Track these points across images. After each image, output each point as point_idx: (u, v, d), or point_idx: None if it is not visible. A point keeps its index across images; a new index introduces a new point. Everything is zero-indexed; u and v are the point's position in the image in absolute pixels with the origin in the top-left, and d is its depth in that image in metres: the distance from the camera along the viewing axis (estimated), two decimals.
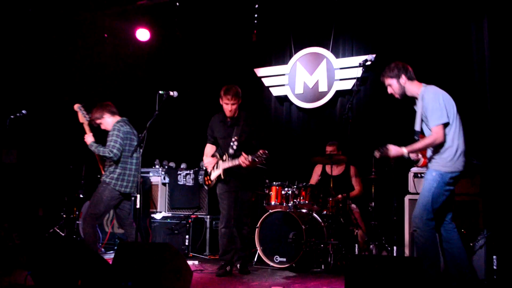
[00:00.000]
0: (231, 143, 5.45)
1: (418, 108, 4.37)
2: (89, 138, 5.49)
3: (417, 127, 4.42)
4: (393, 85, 4.43)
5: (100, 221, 5.60)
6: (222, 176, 5.45)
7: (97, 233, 5.57)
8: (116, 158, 5.37)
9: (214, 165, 5.58)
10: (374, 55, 4.56)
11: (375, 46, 7.33)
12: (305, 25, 8.12)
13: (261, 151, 5.10)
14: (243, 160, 5.21)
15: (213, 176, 5.57)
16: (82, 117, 5.61)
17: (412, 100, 4.44)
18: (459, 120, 4.31)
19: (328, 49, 7.85)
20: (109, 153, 5.33)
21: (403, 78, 4.39)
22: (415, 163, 4.53)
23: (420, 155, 4.47)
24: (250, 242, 5.79)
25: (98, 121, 5.59)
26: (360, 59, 6.79)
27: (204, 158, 5.69)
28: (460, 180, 4.32)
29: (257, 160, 5.13)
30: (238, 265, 5.66)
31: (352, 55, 7.68)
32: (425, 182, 4.30)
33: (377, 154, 4.30)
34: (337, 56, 7.79)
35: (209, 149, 5.71)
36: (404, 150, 4.28)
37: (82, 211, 7.98)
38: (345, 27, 7.79)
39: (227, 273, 5.43)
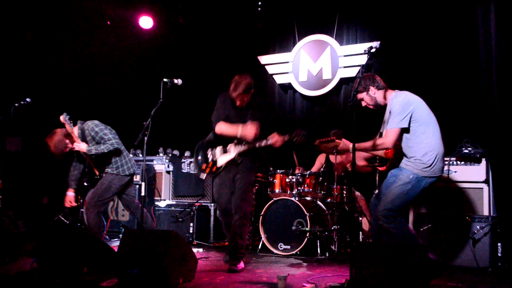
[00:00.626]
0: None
1: (386, 113, 4.48)
2: (82, 145, 5.48)
3: (381, 129, 4.58)
4: (365, 98, 4.56)
5: (103, 209, 5.65)
6: (237, 161, 5.02)
7: (102, 221, 5.62)
8: (118, 146, 5.48)
9: (211, 153, 5.16)
10: (379, 42, 4.52)
11: (380, 33, 7.29)
12: (309, 12, 8.08)
13: (297, 131, 4.77)
14: (280, 140, 4.84)
15: (222, 161, 5.09)
16: (69, 127, 5.48)
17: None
18: (437, 124, 4.40)
19: (332, 36, 7.82)
20: (111, 145, 5.43)
21: (372, 90, 4.51)
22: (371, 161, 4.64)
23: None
24: (242, 234, 5.12)
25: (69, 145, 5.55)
26: (364, 46, 6.77)
27: (240, 129, 4.97)
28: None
29: (295, 140, 4.75)
30: (228, 255, 5.28)
31: (356, 43, 7.64)
32: (398, 181, 4.33)
33: (317, 141, 4.60)
34: (341, 43, 7.75)
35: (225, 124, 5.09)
36: (350, 146, 4.32)
37: (87, 199, 8.00)
38: (349, 14, 7.74)
39: (230, 268, 5.09)
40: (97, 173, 5.65)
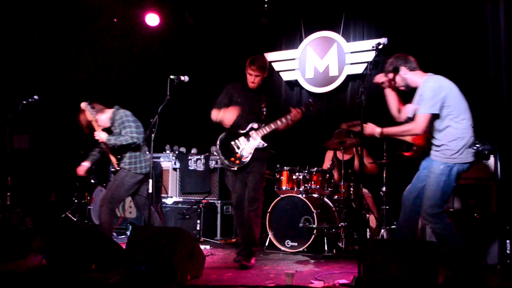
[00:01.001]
0: (261, 110, 5.14)
1: (416, 96, 4.29)
2: (102, 134, 5.50)
3: (410, 114, 4.38)
4: (395, 78, 4.38)
5: (117, 206, 5.67)
6: (264, 144, 5.08)
7: (114, 219, 5.62)
8: (138, 141, 5.46)
9: (234, 144, 5.16)
10: (386, 39, 4.50)
11: (387, 30, 7.26)
12: (316, 9, 8.06)
13: (307, 102, 5.01)
14: (297, 113, 4.94)
15: (249, 149, 5.09)
16: (90, 115, 5.56)
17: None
18: (468, 111, 4.22)
19: (338, 33, 7.80)
20: (131, 139, 5.42)
21: (404, 70, 4.32)
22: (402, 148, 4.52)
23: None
24: (252, 228, 5.15)
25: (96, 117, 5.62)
26: (371, 43, 6.76)
27: (222, 113, 5.14)
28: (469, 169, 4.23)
29: (311, 108, 4.97)
30: (242, 253, 5.19)
31: (363, 39, 7.62)
32: (431, 175, 4.19)
33: (344, 125, 4.40)
34: (348, 40, 7.73)
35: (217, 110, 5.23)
36: (377, 130, 4.24)
37: (94, 196, 8.03)
38: (356, 10, 7.72)
39: (236, 260, 5.20)
40: (115, 165, 5.62)
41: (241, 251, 5.18)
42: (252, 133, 5.15)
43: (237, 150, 5.16)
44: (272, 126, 5.07)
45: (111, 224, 5.50)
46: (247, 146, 5.14)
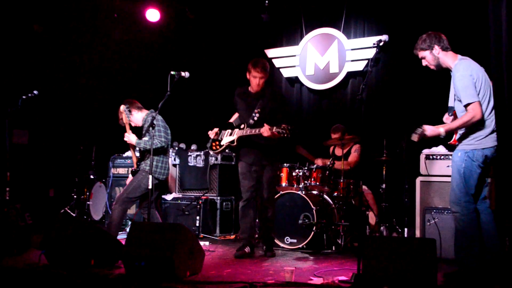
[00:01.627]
0: (253, 114, 5.36)
1: (452, 83, 4.25)
2: (132, 137, 5.56)
3: (450, 103, 4.33)
4: (427, 57, 4.31)
5: (130, 206, 5.68)
6: (235, 143, 5.42)
7: (124, 218, 5.62)
8: (164, 145, 5.51)
9: (222, 133, 5.60)
10: (387, 36, 4.48)
11: (388, 27, 7.24)
12: (317, 5, 8.04)
13: (284, 125, 4.97)
14: (266, 129, 5.06)
15: (225, 141, 5.54)
16: (126, 118, 5.60)
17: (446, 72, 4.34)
18: (492, 98, 4.17)
19: (339, 29, 7.78)
20: (159, 143, 5.44)
21: (436, 49, 4.27)
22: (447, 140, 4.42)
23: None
24: (273, 227, 5.70)
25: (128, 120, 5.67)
26: (371, 40, 6.74)
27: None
28: (495, 156, 4.18)
29: (280, 131, 4.95)
30: (264, 247, 5.57)
31: (363, 36, 7.60)
32: (453, 165, 4.20)
33: (415, 137, 4.13)
34: (348, 37, 7.72)
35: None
36: (441, 130, 4.16)
37: (93, 192, 8.04)
38: (357, 7, 7.70)
39: (245, 255, 5.35)
40: (134, 163, 5.65)
41: (243, 246, 5.39)
42: (235, 130, 5.47)
43: (218, 138, 5.63)
44: (249, 131, 5.32)
45: (120, 223, 5.52)
46: (225, 139, 5.55)
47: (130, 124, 5.65)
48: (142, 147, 5.52)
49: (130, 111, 5.64)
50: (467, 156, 4.12)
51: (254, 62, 5.40)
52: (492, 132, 4.13)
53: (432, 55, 4.29)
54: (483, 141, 4.12)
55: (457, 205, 4.13)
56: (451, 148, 5.23)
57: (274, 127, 5.00)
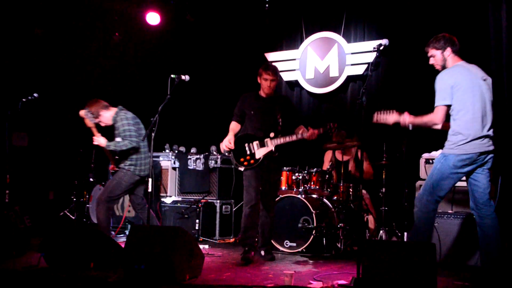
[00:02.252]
0: (277, 121, 5.35)
1: None
2: (102, 140, 5.56)
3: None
4: (437, 56, 4.40)
5: (113, 205, 5.69)
6: (276, 153, 5.34)
7: (110, 217, 5.64)
8: (137, 145, 5.52)
9: (248, 147, 5.39)
10: (387, 40, 4.51)
11: (388, 31, 7.25)
12: (317, 9, 8.06)
13: (330, 124, 5.17)
14: (312, 134, 5.19)
15: (260, 154, 5.34)
16: (90, 122, 5.62)
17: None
18: (479, 102, 4.22)
19: (339, 33, 7.79)
20: (130, 143, 5.47)
21: (448, 51, 4.37)
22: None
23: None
24: (272, 230, 5.71)
25: (97, 120, 5.66)
26: (372, 44, 6.77)
27: (230, 135, 5.47)
28: (475, 164, 4.24)
29: (329, 132, 5.18)
30: (262, 252, 5.53)
31: (364, 40, 7.62)
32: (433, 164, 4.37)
33: (375, 117, 4.46)
34: (348, 41, 7.73)
35: (235, 126, 5.57)
36: (407, 119, 4.37)
37: (93, 195, 8.02)
38: (357, 11, 7.72)
39: (250, 260, 5.24)
40: (112, 166, 5.68)
41: (248, 251, 5.34)
42: (267, 140, 5.36)
43: (248, 153, 5.38)
44: (287, 138, 5.30)
45: (108, 222, 5.54)
46: (258, 151, 5.36)
47: (99, 125, 5.64)
48: (112, 149, 5.52)
49: (93, 113, 5.59)
50: (444, 159, 4.24)
51: (265, 65, 5.47)
52: (474, 140, 4.17)
53: (442, 56, 4.39)
54: (462, 147, 4.18)
55: (419, 201, 4.29)
56: None
57: (321, 128, 5.20)
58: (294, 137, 5.28)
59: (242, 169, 5.38)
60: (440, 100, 4.21)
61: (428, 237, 4.26)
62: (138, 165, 5.58)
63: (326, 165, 6.99)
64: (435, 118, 4.24)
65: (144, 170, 5.61)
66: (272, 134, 5.35)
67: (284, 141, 5.32)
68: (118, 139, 5.55)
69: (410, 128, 4.38)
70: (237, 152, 5.42)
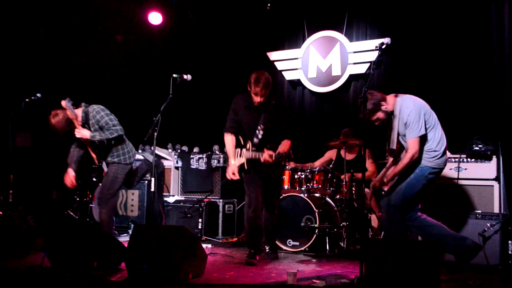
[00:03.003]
0: (257, 131, 5.11)
1: (395, 124, 4.49)
2: (85, 132, 5.38)
3: (393, 146, 4.59)
4: (380, 116, 4.51)
5: (115, 202, 5.63)
6: (245, 166, 5.22)
7: (113, 216, 5.63)
8: (122, 132, 5.44)
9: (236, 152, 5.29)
10: (389, 38, 4.50)
11: (390, 30, 7.24)
12: (319, 8, 8.06)
13: (281, 151, 4.95)
14: (266, 157, 4.95)
15: (238, 162, 5.26)
16: (71, 113, 5.38)
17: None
18: (438, 122, 4.55)
19: (341, 32, 7.79)
20: (116, 131, 5.39)
21: (384, 105, 4.48)
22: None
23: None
24: (275, 229, 5.64)
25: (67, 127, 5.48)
26: (374, 42, 6.76)
27: (232, 164, 5.23)
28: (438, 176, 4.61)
29: (280, 159, 4.92)
30: (266, 248, 5.51)
31: (366, 39, 7.62)
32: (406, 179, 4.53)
33: (369, 195, 5.00)
34: (350, 40, 7.73)
35: (230, 141, 5.28)
36: (385, 180, 4.65)
37: (96, 194, 8.02)
38: (359, 10, 7.72)
39: (254, 265, 5.09)
40: (96, 161, 5.61)
41: (254, 253, 5.24)
42: (243, 150, 5.27)
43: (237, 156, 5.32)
44: (253, 155, 5.15)
45: (111, 222, 5.53)
46: (237, 159, 5.28)
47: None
48: (98, 139, 5.35)
49: (73, 104, 5.41)
50: (421, 170, 4.48)
51: (256, 78, 5.00)
52: (443, 154, 4.50)
53: (384, 112, 4.51)
54: (437, 161, 4.49)
55: (386, 204, 4.58)
56: (453, 151, 5.29)
57: (274, 155, 4.91)
58: (257, 156, 5.08)
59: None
60: (418, 132, 4.39)
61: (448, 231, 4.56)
62: (126, 153, 5.54)
63: (321, 161, 6.91)
64: (416, 153, 4.42)
65: (133, 156, 5.63)
66: (248, 145, 5.22)
67: (253, 157, 5.14)
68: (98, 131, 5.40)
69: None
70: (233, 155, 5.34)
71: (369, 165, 6.68)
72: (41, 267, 4.51)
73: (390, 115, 4.53)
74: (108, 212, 5.42)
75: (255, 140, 5.15)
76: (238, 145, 5.33)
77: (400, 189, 4.52)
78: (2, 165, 6.69)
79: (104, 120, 5.39)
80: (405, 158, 4.43)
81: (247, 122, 5.24)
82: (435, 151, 4.47)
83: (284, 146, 5.13)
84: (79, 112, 5.47)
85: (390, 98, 4.52)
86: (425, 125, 4.43)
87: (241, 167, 5.27)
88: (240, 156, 5.26)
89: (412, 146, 4.38)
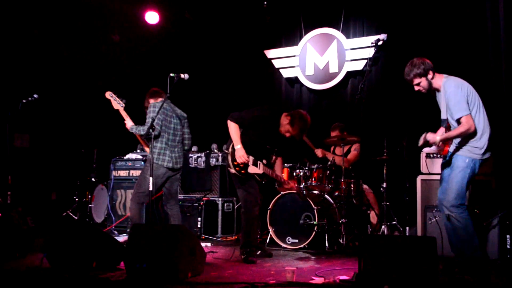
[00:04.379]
0: (272, 150, 5.45)
1: (442, 98, 4.40)
2: (129, 123, 5.60)
3: (443, 116, 4.47)
4: (423, 82, 4.43)
5: (146, 200, 5.53)
6: (259, 179, 5.28)
7: (142, 212, 5.61)
8: (153, 131, 5.30)
9: (246, 159, 5.16)
10: (386, 35, 4.51)
11: (387, 26, 7.24)
12: (315, 5, 8.06)
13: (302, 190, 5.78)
14: (294, 186, 5.69)
15: (252, 171, 5.17)
16: (116, 104, 5.69)
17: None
18: (483, 109, 4.38)
19: (338, 29, 7.80)
20: (143, 130, 5.40)
21: (431, 74, 4.39)
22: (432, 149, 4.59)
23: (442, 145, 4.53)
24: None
25: (147, 110, 5.62)
26: (371, 39, 6.73)
27: (235, 144, 5.16)
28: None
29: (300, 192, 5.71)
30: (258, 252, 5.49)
31: (363, 36, 7.62)
32: (456, 169, 4.33)
33: (420, 142, 4.45)
34: (347, 37, 7.73)
35: (237, 129, 5.20)
36: (437, 138, 4.37)
37: (95, 195, 8.04)
38: (356, 7, 7.72)
39: (253, 262, 5.13)
40: (147, 151, 5.73)
41: (255, 250, 5.35)
42: (260, 164, 5.26)
43: (246, 163, 5.16)
44: (274, 175, 5.39)
45: (139, 217, 5.54)
46: (250, 167, 5.16)
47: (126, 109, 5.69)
48: (134, 133, 5.58)
49: (119, 96, 5.65)
50: (474, 164, 4.32)
51: (301, 129, 5.21)
52: (488, 143, 4.34)
53: (427, 81, 4.42)
54: (484, 152, 4.32)
55: (453, 206, 4.29)
56: None
57: (299, 190, 5.77)
58: (278, 178, 5.48)
59: (232, 171, 5.22)
60: (465, 110, 4.25)
61: (476, 237, 4.34)
62: (162, 154, 5.48)
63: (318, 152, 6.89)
64: (471, 127, 4.25)
65: (169, 161, 5.53)
66: (265, 161, 5.32)
67: (273, 176, 5.40)
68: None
69: (437, 143, 4.43)
70: (233, 159, 5.21)
71: (353, 155, 6.68)
72: (40, 268, 4.52)
73: (430, 88, 4.44)
74: (136, 210, 5.51)
75: (264, 161, 5.32)
76: (252, 152, 5.24)
77: (460, 183, 4.34)
78: (0, 166, 6.70)
79: (148, 114, 5.51)
80: (461, 127, 4.26)
81: (263, 136, 5.30)
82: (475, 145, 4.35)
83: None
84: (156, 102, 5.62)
85: (439, 75, 4.45)
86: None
87: (252, 176, 5.24)
88: (257, 166, 5.23)
89: (465, 121, 4.25)
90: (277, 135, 5.31)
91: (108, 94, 5.72)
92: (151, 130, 5.15)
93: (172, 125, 5.65)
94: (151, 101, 5.65)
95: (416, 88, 4.48)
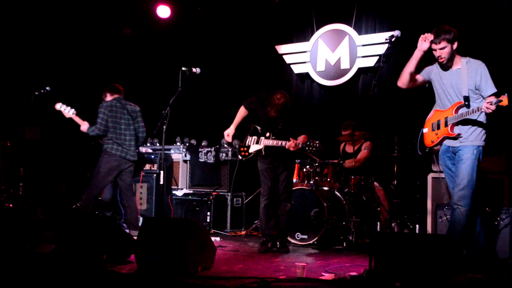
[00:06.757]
0: (278, 124, 5.37)
1: (463, 74, 4.34)
2: (84, 126, 5.93)
3: (465, 93, 4.37)
4: (447, 48, 4.35)
5: (99, 191, 6.01)
6: (262, 152, 5.42)
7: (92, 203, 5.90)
8: (101, 132, 5.84)
9: (249, 139, 5.53)
10: (399, 31, 4.47)
11: (399, 22, 7.18)
12: (327, 1, 8.02)
13: (316, 142, 5.11)
14: (292, 145, 5.18)
15: (253, 149, 5.48)
16: (67, 113, 6.01)
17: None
18: None
19: (350, 25, 7.75)
20: (95, 130, 5.83)
21: (456, 45, 4.37)
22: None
23: None
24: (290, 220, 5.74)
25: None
26: (383, 35, 6.73)
27: (232, 126, 5.56)
28: None
29: (307, 149, 5.17)
30: (277, 243, 5.60)
31: (375, 32, 7.57)
32: (466, 162, 4.28)
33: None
34: (359, 33, 7.69)
35: (243, 112, 5.62)
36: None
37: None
38: (368, 3, 7.67)
39: (268, 249, 5.46)
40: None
41: (266, 241, 5.52)
42: (262, 138, 5.44)
43: (246, 145, 5.55)
44: (278, 143, 5.32)
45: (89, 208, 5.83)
46: (252, 146, 5.46)
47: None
48: (91, 135, 5.98)
49: (67, 104, 6.04)
50: (479, 152, 4.29)
51: (273, 105, 5.24)
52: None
53: (451, 49, 4.37)
54: (484, 139, 4.34)
55: (467, 199, 4.25)
56: None
57: (301, 143, 5.14)
58: (281, 143, 5.29)
59: (240, 157, 5.59)
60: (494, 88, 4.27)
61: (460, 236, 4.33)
62: (116, 144, 5.90)
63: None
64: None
65: (122, 151, 5.93)
66: (268, 134, 5.43)
67: (275, 144, 5.34)
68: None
69: None
70: (241, 142, 5.63)
71: (363, 153, 6.66)
72: (50, 259, 4.54)
73: (449, 58, 4.38)
74: (91, 199, 5.91)
75: (275, 130, 5.40)
76: (254, 133, 5.55)
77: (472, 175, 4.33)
78: (12, 158, 6.73)
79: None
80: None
81: (264, 120, 5.47)
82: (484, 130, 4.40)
83: (304, 137, 5.29)
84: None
85: (459, 56, 4.44)
86: None
87: (257, 153, 5.46)
88: (257, 143, 5.44)
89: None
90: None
91: (58, 106, 6.01)
92: (100, 133, 5.79)
93: (123, 121, 5.94)
94: (108, 95, 6.04)
95: (439, 52, 4.38)
